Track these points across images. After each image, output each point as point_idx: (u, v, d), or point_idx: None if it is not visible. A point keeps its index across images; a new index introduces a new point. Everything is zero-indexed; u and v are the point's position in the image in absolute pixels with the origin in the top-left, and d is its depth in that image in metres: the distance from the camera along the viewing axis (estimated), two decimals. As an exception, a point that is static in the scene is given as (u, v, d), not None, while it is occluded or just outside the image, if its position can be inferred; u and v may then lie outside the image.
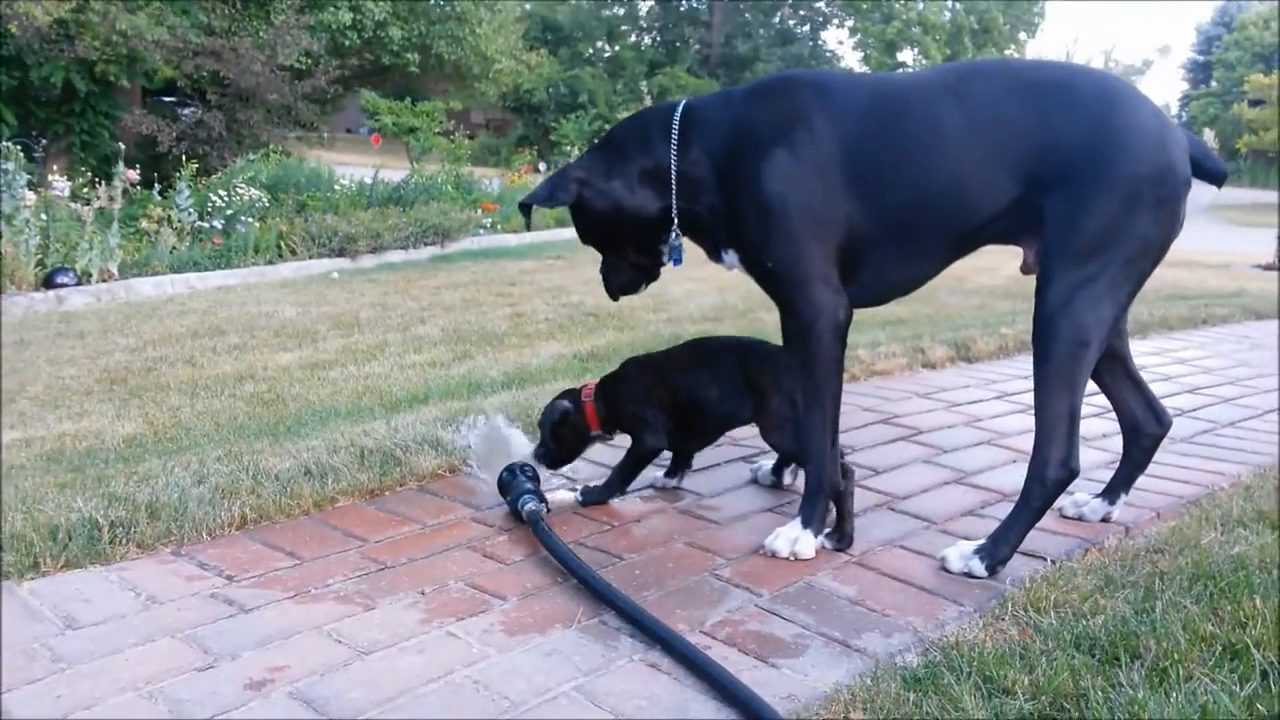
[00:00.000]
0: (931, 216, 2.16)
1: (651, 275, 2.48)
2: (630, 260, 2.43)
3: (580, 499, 2.54)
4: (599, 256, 2.49)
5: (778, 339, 2.37)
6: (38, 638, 1.79)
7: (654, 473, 2.68)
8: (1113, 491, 2.46)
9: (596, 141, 2.44)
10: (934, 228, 2.18)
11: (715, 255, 2.37)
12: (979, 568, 2.11)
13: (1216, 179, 2.19)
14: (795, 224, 2.16)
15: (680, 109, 2.31)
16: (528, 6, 36.71)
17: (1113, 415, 2.50)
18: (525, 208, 2.43)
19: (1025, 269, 2.22)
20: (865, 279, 2.24)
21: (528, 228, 2.65)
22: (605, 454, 2.93)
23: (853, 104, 2.21)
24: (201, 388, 4.50)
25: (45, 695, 1.60)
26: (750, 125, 2.24)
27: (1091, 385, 2.19)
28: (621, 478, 2.56)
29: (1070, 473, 2.10)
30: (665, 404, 2.52)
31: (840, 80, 2.32)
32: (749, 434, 2.93)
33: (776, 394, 2.38)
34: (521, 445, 2.64)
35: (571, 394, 2.61)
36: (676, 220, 2.31)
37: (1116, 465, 2.51)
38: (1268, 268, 10.81)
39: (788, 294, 2.23)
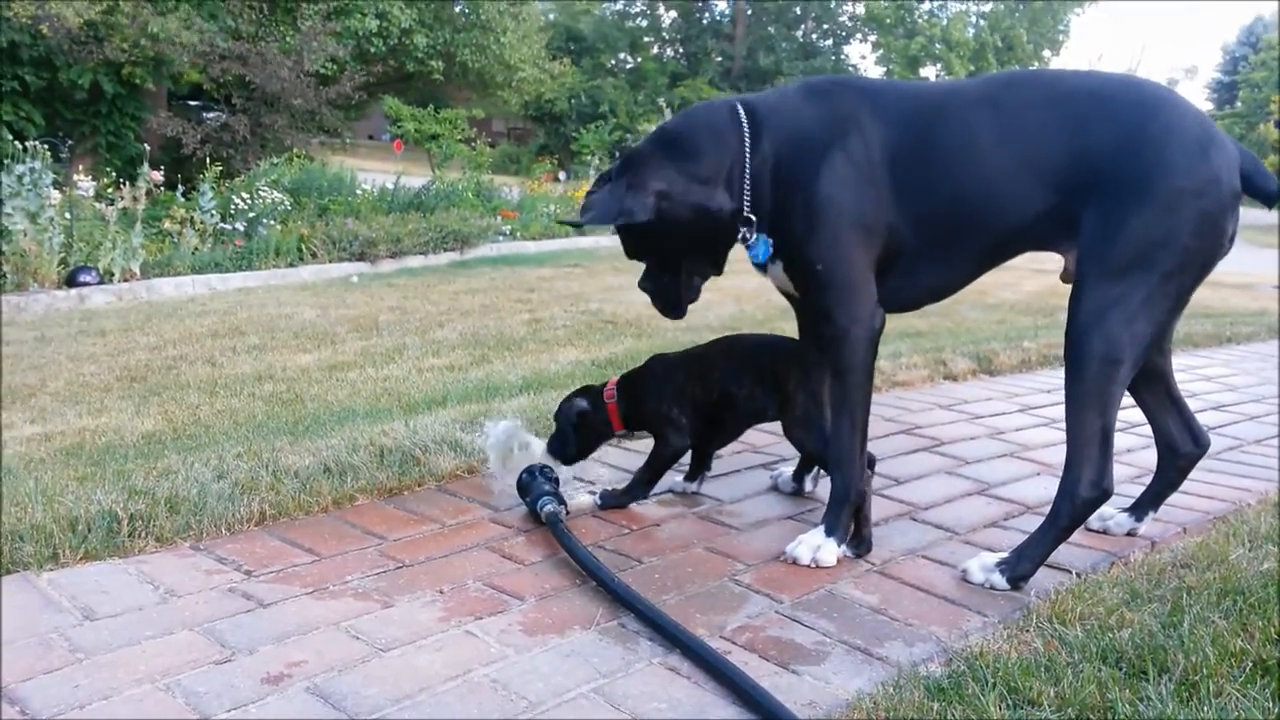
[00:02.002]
0: (967, 225, 2.13)
1: (705, 278, 2.33)
2: (698, 269, 2.27)
3: (599, 502, 2.52)
4: (618, 265, 2.44)
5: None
6: (56, 628, 1.79)
7: (673, 477, 2.66)
8: (1141, 508, 2.41)
9: (652, 145, 2.22)
10: (965, 236, 2.15)
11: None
12: (1000, 581, 2.07)
13: (1268, 198, 2.07)
14: (846, 229, 2.12)
15: (741, 106, 2.20)
16: (552, 16, 36.92)
17: (1141, 429, 2.47)
18: (587, 223, 2.23)
19: (1065, 277, 2.16)
20: (895, 284, 2.20)
21: (580, 230, 2.53)
22: (624, 458, 2.92)
23: (898, 110, 2.17)
24: (221, 386, 4.52)
25: (63, 685, 1.59)
26: (808, 125, 2.17)
27: (1126, 399, 2.15)
28: (645, 481, 2.53)
29: (1103, 493, 2.05)
30: (696, 401, 2.49)
31: (886, 87, 2.27)
32: (769, 441, 2.92)
33: (801, 391, 2.36)
34: (540, 447, 2.62)
35: (590, 392, 2.58)
36: (754, 219, 2.17)
37: (1143, 480, 2.48)
38: (1287, 289, 10.69)
39: (828, 299, 2.17)
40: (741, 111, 2.19)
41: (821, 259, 2.14)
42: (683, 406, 2.50)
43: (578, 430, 2.56)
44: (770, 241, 2.19)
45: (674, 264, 2.26)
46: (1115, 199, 1.98)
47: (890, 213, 2.12)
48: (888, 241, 2.14)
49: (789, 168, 2.16)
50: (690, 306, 2.34)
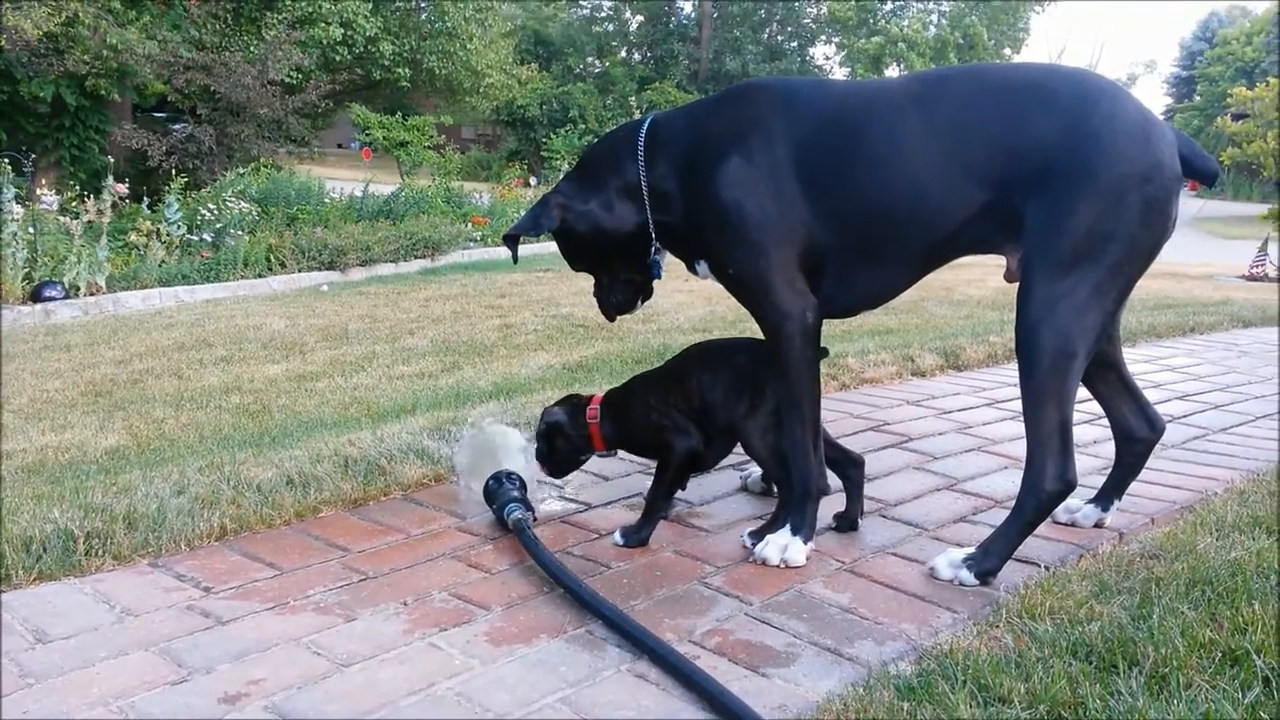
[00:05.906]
0: (895, 226, 2.11)
1: (645, 291, 2.48)
2: (621, 278, 2.43)
3: (620, 541, 2.28)
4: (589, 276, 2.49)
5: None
6: (6, 652, 1.74)
7: (644, 481, 2.64)
8: (1105, 497, 2.42)
9: (572, 167, 2.45)
10: (899, 237, 2.12)
11: (690, 266, 2.35)
12: (968, 577, 2.06)
13: (1208, 177, 2.08)
14: (752, 230, 2.13)
15: (646, 124, 2.31)
16: (519, 21, 36.80)
17: (1103, 421, 2.47)
18: (512, 240, 2.41)
19: (1009, 277, 2.14)
20: (829, 289, 2.19)
21: (514, 260, 2.60)
22: (599, 463, 2.90)
23: (816, 110, 2.17)
24: (187, 399, 4.45)
25: (10, 711, 1.55)
26: (710, 133, 2.22)
27: (1082, 390, 2.14)
28: (660, 500, 2.32)
29: (1067, 485, 2.03)
30: (682, 413, 2.36)
31: (806, 86, 2.26)
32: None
33: (770, 390, 2.27)
34: (512, 446, 2.58)
35: (572, 405, 2.46)
36: (654, 235, 2.30)
37: (1108, 471, 2.48)
38: (1250, 278, 10.85)
39: (753, 300, 2.21)
40: (644, 130, 2.29)
41: (731, 263, 2.19)
42: (675, 413, 2.36)
43: (553, 445, 2.45)
44: (662, 263, 2.38)
45: (601, 271, 2.46)
46: (1060, 191, 1.95)
47: (804, 212, 2.12)
48: (807, 240, 2.13)
49: (691, 177, 2.22)
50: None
